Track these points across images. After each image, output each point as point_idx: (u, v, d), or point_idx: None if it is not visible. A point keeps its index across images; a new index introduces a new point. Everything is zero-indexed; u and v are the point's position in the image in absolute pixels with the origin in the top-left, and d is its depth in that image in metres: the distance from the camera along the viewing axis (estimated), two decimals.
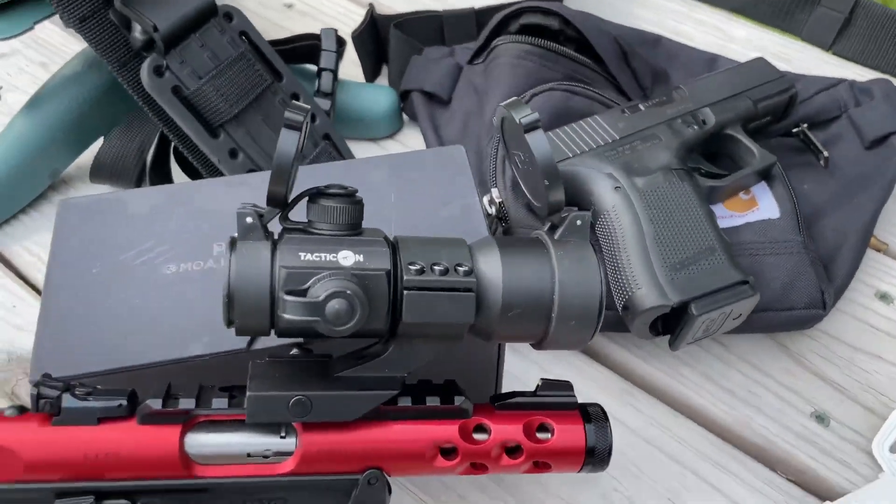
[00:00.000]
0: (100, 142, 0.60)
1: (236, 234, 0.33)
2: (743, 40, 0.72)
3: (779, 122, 0.61)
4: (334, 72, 0.59)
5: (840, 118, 0.62)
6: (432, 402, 0.37)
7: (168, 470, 0.34)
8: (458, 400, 0.37)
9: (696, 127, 0.54)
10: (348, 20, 0.77)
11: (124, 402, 0.34)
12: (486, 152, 0.56)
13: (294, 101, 0.32)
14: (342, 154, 0.56)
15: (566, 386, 0.39)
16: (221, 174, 0.53)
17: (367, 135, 0.65)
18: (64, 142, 0.58)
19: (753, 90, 0.58)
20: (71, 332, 0.39)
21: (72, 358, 0.38)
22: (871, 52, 0.70)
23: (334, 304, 0.31)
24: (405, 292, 0.33)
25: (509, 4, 0.66)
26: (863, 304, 0.54)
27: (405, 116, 0.66)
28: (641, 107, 0.55)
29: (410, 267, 0.33)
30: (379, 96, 0.64)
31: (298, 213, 0.34)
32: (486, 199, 0.52)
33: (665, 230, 0.47)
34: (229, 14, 0.52)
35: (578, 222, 0.36)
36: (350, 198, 0.34)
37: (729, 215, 0.54)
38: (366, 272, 0.32)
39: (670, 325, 0.47)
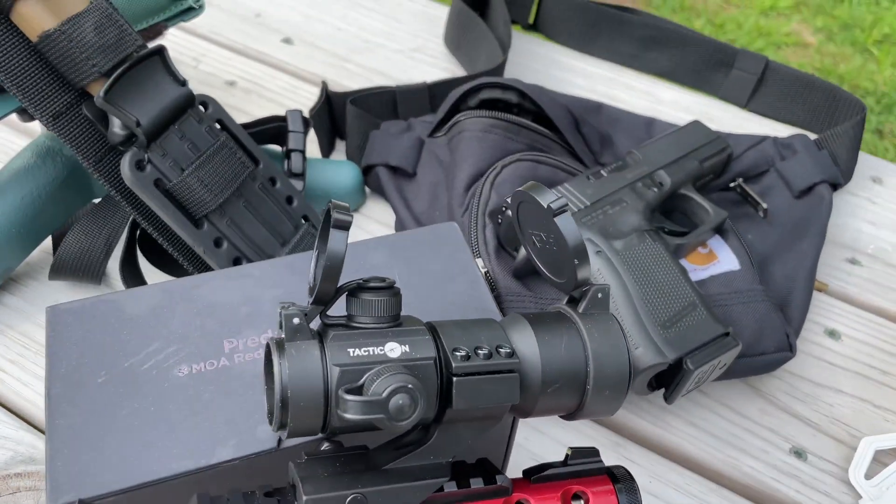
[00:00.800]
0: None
1: (281, 335, 0.33)
2: (670, 102, 0.78)
3: (718, 178, 0.66)
4: (303, 152, 0.59)
5: (769, 172, 0.68)
6: (475, 483, 0.37)
7: None
8: (500, 479, 0.37)
9: (655, 189, 0.58)
10: (293, 95, 0.77)
11: None
12: (461, 223, 0.58)
13: (333, 201, 0.32)
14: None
15: (593, 452, 0.41)
16: (203, 263, 0.52)
17: None
18: (17, 239, 0.55)
19: (697, 151, 0.63)
20: (85, 449, 0.37)
21: (91, 477, 0.36)
22: (782, 108, 0.77)
23: (398, 400, 0.31)
24: (454, 379, 0.33)
25: (461, 80, 0.69)
26: (816, 342, 0.59)
27: (367, 190, 0.67)
28: (603, 173, 0.59)
29: (456, 353, 0.34)
30: (344, 171, 0.64)
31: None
32: None
33: (649, 290, 0.50)
34: (204, 103, 0.51)
35: (600, 295, 0.38)
36: (390, 290, 0.35)
37: (693, 269, 0.58)
38: (414, 362, 0.33)
39: (664, 380, 0.49)
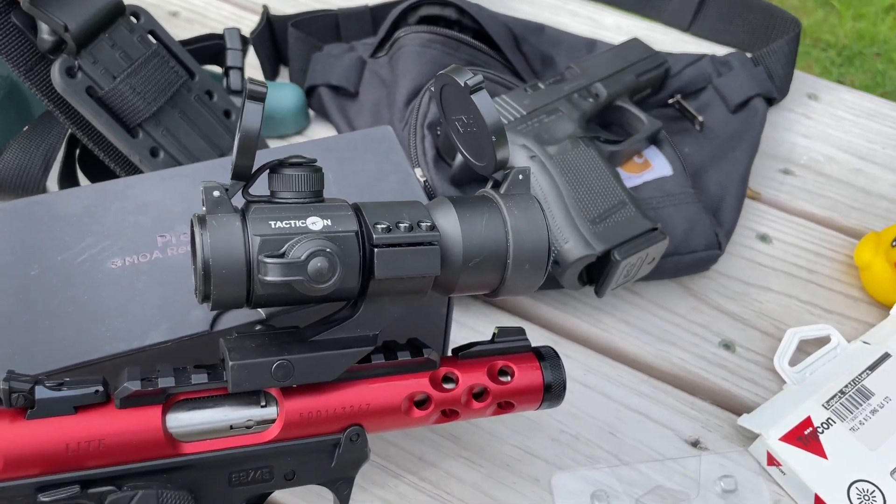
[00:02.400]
0: None
1: (203, 211, 0.34)
2: (613, 27, 0.79)
3: (656, 94, 0.68)
4: (242, 69, 0.59)
5: (707, 89, 0.69)
6: (403, 356, 0.38)
7: (152, 451, 0.34)
8: (427, 352, 0.39)
9: (591, 100, 0.60)
10: (237, 24, 0.77)
11: (100, 388, 0.33)
12: (401, 137, 0.59)
13: (250, 77, 0.33)
14: (266, 147, 0.57)
15: (519, 331, 0.42)
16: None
17: (276, 132, 0.66)
18: None
19: (635, 65, 0.64)
20: (19, 335, 0.38)
21: (24, 359, 0.37)
22: (723, 31, 0.78)
23: (316, 263, 0.32)
24: (375, 250, 0.34)
25: (399, 1, 0.70)
26: (747, 245, 0.61)
27: (311, 112, 0.68)
28: (541, 85, 0.60)
29: (378, 226, 0.35)
30: (286, 93, 0.65)
31: (257, 189, 0.36)
32: None
33: (580, 190, 0.52)
34: (136, 13, 0.51)
35: (520, 177, 0.39)
36: (311, 166, 0.36)
37: (628, 177, 0.59)
38: (336, 234, 0.34)
39: (595, 274, 0.51)
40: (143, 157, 0.50)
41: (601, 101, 0.60)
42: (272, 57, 0.70)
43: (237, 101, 0.58)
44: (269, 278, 0.32)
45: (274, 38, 0.70)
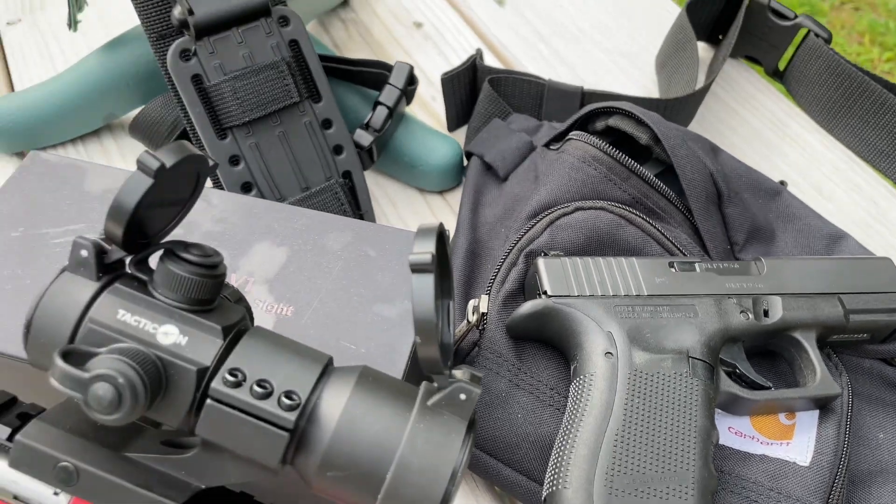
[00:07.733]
0: None
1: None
2: None
3: (882, 342, 0.48)
4: (391, 109, 0.54)
5: None
6: None
7: None
8: None
9: (750, 315, 0.44)
10: (465, 55, 0.71)
11: None
12: (492, 248, 0.49)
13: (150, 151, 0.27)
14: (354, 199, 0.51)
15: None
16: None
17: (418, 184, 0.59)
18: (127, 90, 0.58)
19: (853, 296, 0.46)
20: None
21: None
22: None
23: (97, 389, 0.26)
24: (207, 401, 0.27)
25: (617, 97, 0.58)
26: None
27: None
28: (697, 267, 0.45)
29: (228, 375, 0.27)
30: (439, 146, 0.58)
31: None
32: (471, 304, 0.45)
33: (637, 431, 0.38)
34: (286, 18, 0.48)
35: (462, 397, 0.29)
36: (207, 269, 0.29)
37: (751, 436, 0.43)
38: (176, 360, 0.27)
39: None
40: (222, 161, 0.47)
41: (766, 323, 0.44)
42: (464, 106, 0.63)
43: (365, 138, 0.53)
44: (52, 379, 0.26)
45: (473, 88, 0.63)
